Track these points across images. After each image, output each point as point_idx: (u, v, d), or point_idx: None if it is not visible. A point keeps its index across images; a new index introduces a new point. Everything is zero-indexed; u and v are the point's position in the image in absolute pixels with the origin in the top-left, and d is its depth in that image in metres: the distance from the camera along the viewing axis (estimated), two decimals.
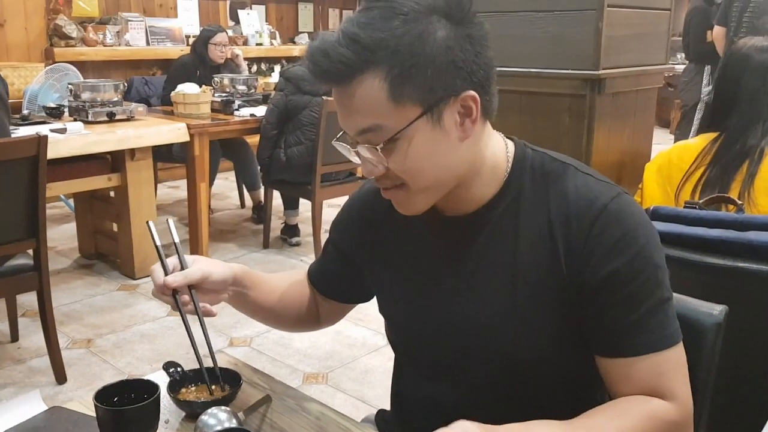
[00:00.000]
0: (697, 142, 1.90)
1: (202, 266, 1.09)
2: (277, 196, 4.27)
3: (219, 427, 0.93)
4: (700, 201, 1.77)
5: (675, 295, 1.16)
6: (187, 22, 6.06)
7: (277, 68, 6.33)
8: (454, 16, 0.90)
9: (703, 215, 1.65)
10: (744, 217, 1.62)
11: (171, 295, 1.06)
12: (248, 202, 5.01)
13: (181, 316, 1.07)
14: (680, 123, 5.68)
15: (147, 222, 1.14)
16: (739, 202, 1.75)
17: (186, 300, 1.08)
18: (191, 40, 5.31)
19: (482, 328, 1.00)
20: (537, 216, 0.97)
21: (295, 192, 4.12)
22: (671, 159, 1.92)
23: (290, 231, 4.34)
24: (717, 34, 4.89)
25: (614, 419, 0.92)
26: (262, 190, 4.41)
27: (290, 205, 4.30)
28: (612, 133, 2.16)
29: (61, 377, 2.62)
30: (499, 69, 0.93)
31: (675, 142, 5.72)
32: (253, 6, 6.94)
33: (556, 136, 2.00)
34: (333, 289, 1.24)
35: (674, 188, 1.88)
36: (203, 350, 1.10)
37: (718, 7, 5.31)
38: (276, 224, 4.45)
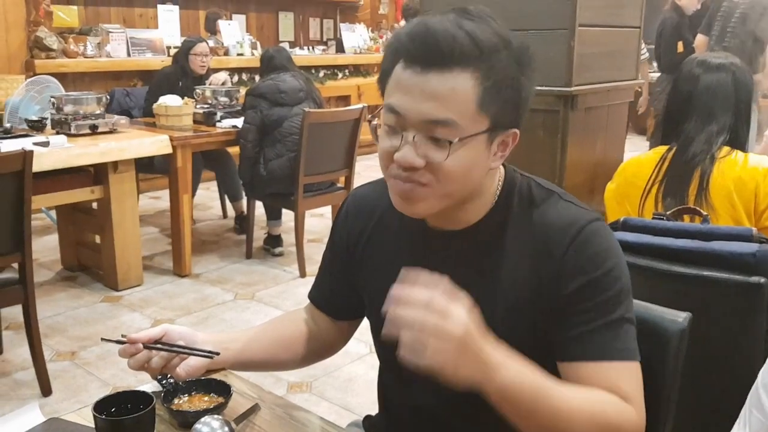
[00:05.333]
0: (650, 156, 1.99)
1: (165, 326, 1.18)
2: (259, 206, 4.29)
3: None
4: (668, 212, 1.86)
5: (642, 303, 1.23)
6: (168, 33, 6.08)
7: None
8: (528, 66, 0.99)
9: (670, 226, 1.72)
10: (708, 227, 1.70)
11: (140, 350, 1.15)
12: (230, 212, 5.03)
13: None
14: (654, 131, 5.80)
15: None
16: (704, 213, 1.83)
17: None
18: (172, 51, 5.33)
19: None
20: (520, 239, 1.03)
21: (278, 203, 4.16)
22: (626, 177, 2.00)
23: (273, 241, 4.37)
24: (699, 42, 4.95)
25: (581, 392, 0.96)
26: (244, 200, 4.43)
27: (273, 215, 4.34)
28: (584, 146, 2.24)
29: (46, 390, 2.64)
30: None
31: (650, 148, 5.85)
32: (233, 16, 6.97)
33: (531, 150, 2.08)
34: (339, 307, 1.27)
35: (633, 206, 1.96)
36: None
37: (689, 19, 5.43)
38: (259, 234, 4.49)
